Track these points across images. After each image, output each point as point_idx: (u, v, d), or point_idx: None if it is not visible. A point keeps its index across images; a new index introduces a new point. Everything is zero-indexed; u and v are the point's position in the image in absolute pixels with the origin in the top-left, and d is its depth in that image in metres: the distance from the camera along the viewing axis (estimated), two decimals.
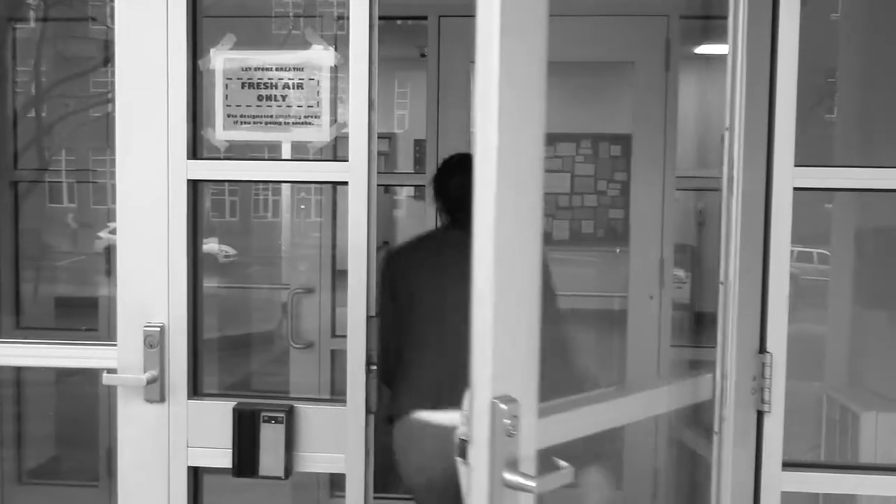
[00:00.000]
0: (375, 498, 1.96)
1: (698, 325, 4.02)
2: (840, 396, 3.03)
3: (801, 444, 3.11)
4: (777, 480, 1.79)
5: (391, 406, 2.58)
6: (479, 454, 1.20)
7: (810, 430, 3.17)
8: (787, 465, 1.80)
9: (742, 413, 1.77)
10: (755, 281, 1.77)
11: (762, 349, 1.78)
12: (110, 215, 2.02)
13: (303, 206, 4.18)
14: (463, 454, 1.25)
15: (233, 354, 4.34)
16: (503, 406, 1.19)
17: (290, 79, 1.96)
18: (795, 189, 1.76)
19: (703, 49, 5.41)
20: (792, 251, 1.79)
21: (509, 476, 1.19)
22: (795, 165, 1.75)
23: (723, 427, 1.77)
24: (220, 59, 1.98)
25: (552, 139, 4.13)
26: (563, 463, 1.25)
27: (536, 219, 1.28)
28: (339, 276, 3.63)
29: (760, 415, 1.78)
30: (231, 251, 7.83)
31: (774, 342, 1.77)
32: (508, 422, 1.19)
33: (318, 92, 1.95)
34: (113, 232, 1.98)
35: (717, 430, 1.78)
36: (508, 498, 1.20)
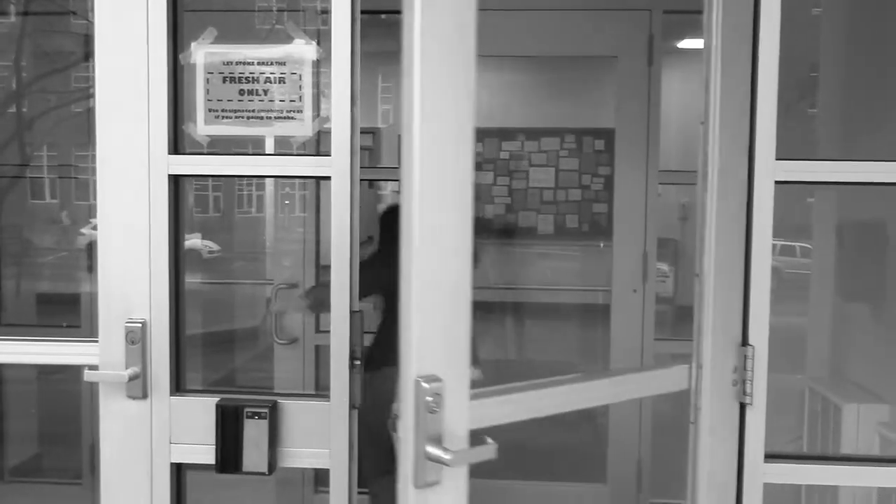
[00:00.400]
0: (360, 493, 1.96)
1: (682, 318, 4.04)
2: (822, 388, 3.05)
3: (784, 435, 3.13)
4: (759, 472, 1.79)
5: (370, 360, 2.67)
6: (405, 428, 1.30)
7: (793, 421, 3.19)
8: (770, 456, 1.80)
9: (723, 405, 1.78)
10: (737, 274, 1.78)
11: (744, 341, 1.78)
12: (93, 211, 2.00)
13: (287, 202, 4.17)
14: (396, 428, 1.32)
15: (216, 350, 4.33)
16: (425, 385, 1.28)
17: (271, 73, 1.94)
18: (777, 182, 1.76)
19: (687, 44, 5.42)
20: (775, 245, 1.79)
21: (430, 449, 1.29)
22: (777, 159, 1.76)
23: (699, 417, 1.78)
24: (202, 54, 1.96)
25: (537, 133, 4.14)
26: (489, 440, 1.33)
27: (466, 203, 1.31)
28: (323, 271, 3.62)
29: (743, 407, 1.79)
30: (215, 247, 7.80)
31: (756, 334, 1.78)
32: (430, 399, 1.28)
33: (300, 86, 1.95)
34: (95, 228, 1.96)
35: (693, 420, 1.79)
36: (432, 470, 1.30)
